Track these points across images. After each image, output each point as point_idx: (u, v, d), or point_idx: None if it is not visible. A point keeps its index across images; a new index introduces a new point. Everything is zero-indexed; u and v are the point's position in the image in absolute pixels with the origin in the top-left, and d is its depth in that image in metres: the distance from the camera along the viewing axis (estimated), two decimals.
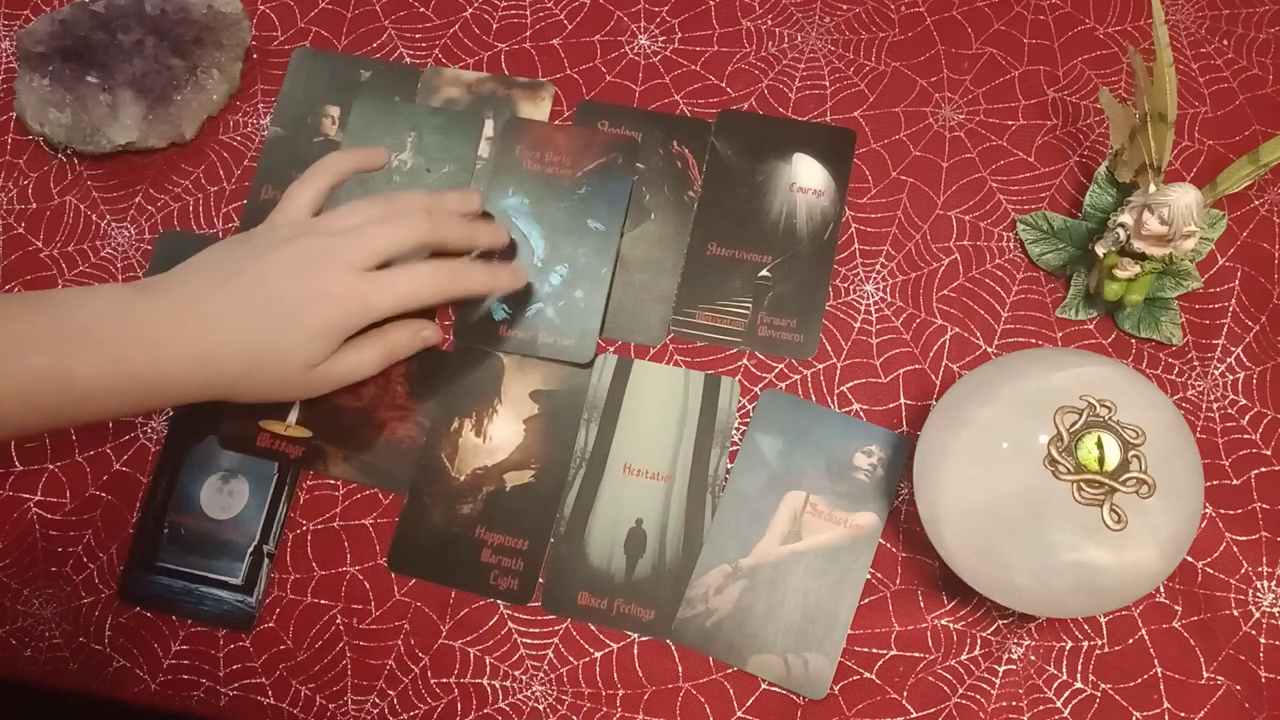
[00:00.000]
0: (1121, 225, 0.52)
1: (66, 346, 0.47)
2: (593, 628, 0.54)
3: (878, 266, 0.59)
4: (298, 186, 0.54)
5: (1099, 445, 0.45)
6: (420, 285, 0.53)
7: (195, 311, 0.50)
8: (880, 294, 0.58)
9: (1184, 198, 0.50)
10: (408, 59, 0.64)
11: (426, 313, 0.57)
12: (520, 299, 0.58)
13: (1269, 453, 0.55)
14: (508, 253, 0.59)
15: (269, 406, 0.57)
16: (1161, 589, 0.53)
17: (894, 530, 0.54)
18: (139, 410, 0.53)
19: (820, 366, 0.57)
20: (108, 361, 0.48)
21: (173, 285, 0.51)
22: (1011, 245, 0.59)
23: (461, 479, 0.56)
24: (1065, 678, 0.52)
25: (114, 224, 0.62)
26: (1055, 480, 0.44)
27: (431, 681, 0.54)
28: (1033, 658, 0.52)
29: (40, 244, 0.61)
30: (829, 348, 0.57)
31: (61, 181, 0.62)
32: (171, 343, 0.49)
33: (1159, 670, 0.52)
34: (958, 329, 0.57)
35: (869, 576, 0.53)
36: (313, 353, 0.51)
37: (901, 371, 0.57)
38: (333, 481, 0.57)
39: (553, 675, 0.53)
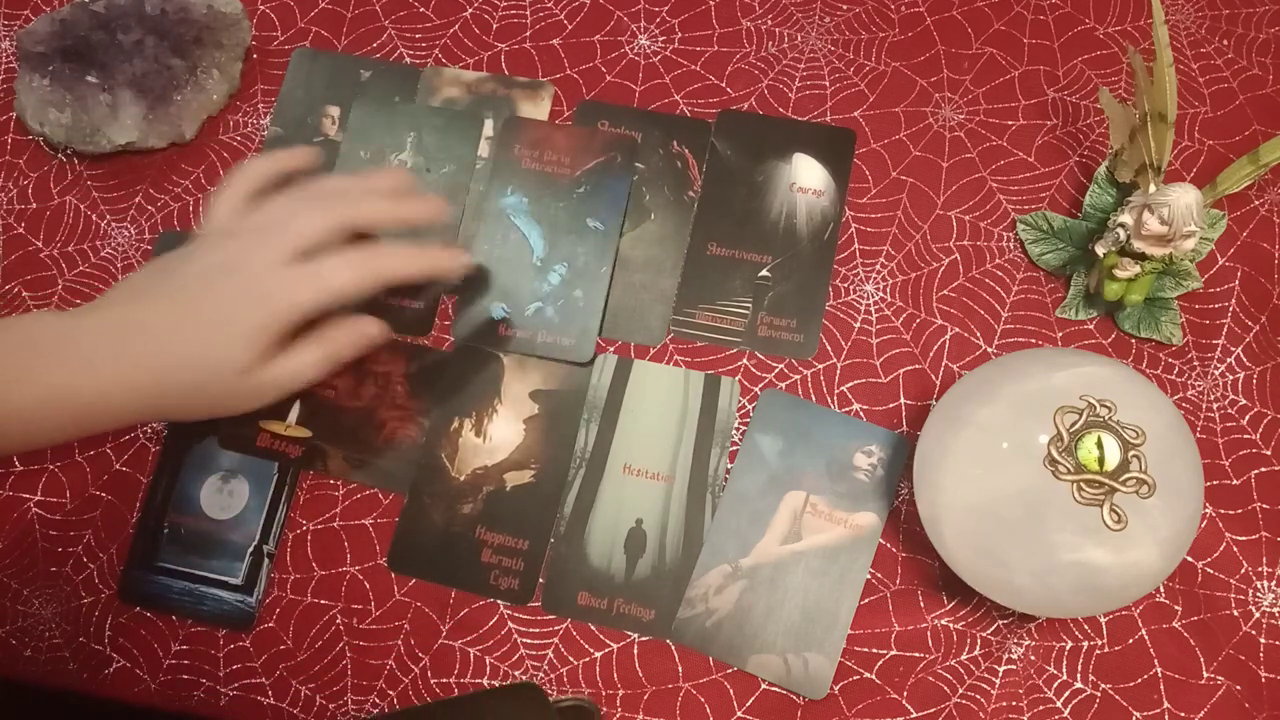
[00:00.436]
0: (1121, 225, 0.52)
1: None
2: (593, 628, 0.54)
3: (878, 266, 0.59)
4: (216, 195, 0.53)
5: (1099, 445, 0.45)
6: (343, 273, 0.50)
7: (122, 333, 0.48)
8: (880, 294, 0.58)
9: (1184, 198, 0.50)
10: (408, 59, 0.64)
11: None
12: (520, 298, 0.58)
13: (1269, 453, 0.55)
14: (507, 250, 0.59)
15: (269, 405, 0.57)
16: (1161, 589, 0.53)
17: (894, 530, 0.54)
18: (81, 434, 0.51)
19: (820, 366, 0.57)
20: (36, 387, 0.47)
21: (99, 309, 0.49)
22: (1011, 245, 0.59)
23: (461, 479, 0.56)
24: (1065, 678, 0.52)
25: (114, 224, 0.62)
26: (1055, 480, 0.44)
27: (431, 681, 0.54)
28: (1033, 658, 0.52)
29: (40, 244, 0.61)
30: (829, 348, 0.57)
31: (61, 181, 0.62)
32: (101, 366, 0.48)
33: (1159, 670, 0.52)
34: (958, 329, 0.57)
35: (869, 576, 0.53)
36: (243, 358, 0.49)
37: (901, 371, 0.57)
38: (333, 481, 0.57)
39: (553, 675, 0.53)
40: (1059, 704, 0.51)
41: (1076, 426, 0.45)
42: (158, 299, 0.49)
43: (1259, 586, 0.53)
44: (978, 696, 0.52)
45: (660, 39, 0.64)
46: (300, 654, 0.54)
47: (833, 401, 0.56)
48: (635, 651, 0.53)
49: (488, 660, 0.54)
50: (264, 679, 0.54)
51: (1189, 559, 0.53)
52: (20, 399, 0.47)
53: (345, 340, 0.52)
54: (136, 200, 0.62)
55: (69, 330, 0.48)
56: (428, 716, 0.44)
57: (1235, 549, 0.53)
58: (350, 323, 0.53)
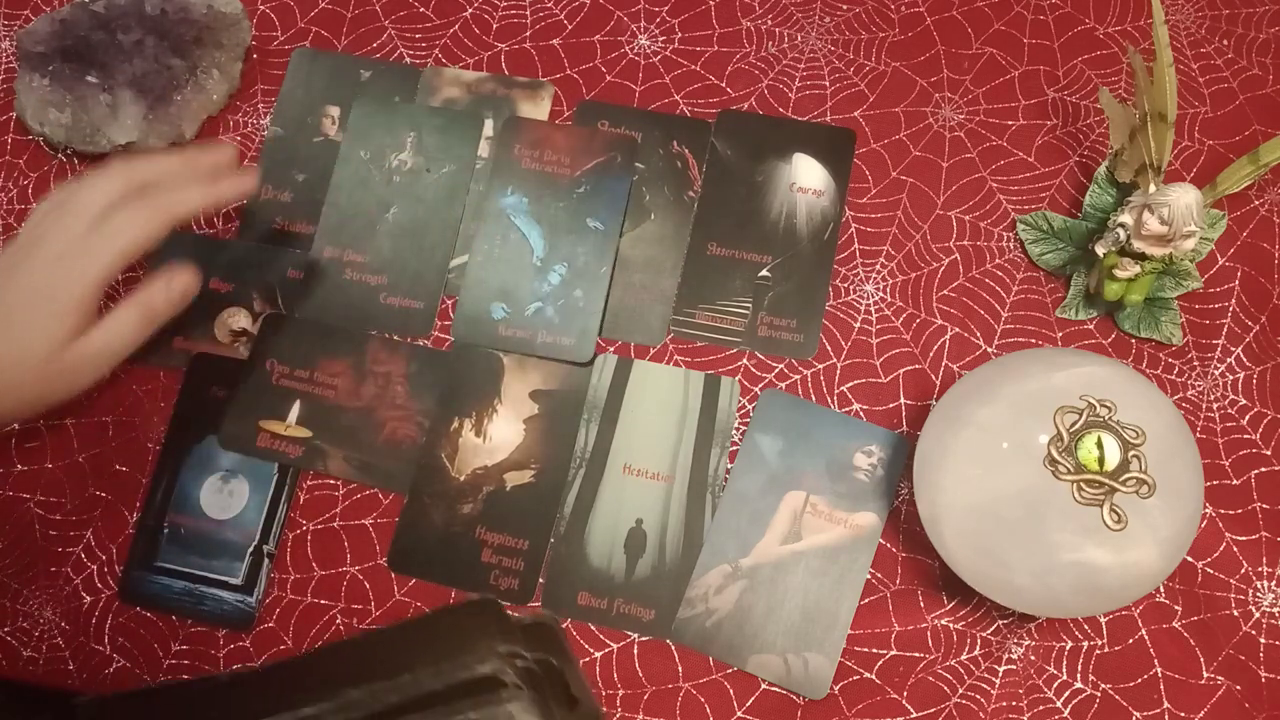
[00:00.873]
0: (1121, 225, 0.52)
1: None
2: (593, 628, 0.54)
3: (878, 266, 0.59)
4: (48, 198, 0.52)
5: (1099, 445, 0.45)
6: (132, 226, 0.49)
7: None
8: (880, 294, 0.58)
9: (1184, 198, 0.50)
10: (408, 59, 0.64)
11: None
12: (520, 297, 0.58)
13: (1269, 453, 0.55)
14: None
15: (269, 405, 0.57)
16: (1161, 589, 0.53)
17: (894, 530, 0.54)
18: None
19: (820, 366, 0.57)
20: None
21: None
22: (1011, 245, 0.59)
23: (461, 479, 0.56)
24: (1065, 678, 0.52)
25: None
26: (1055, 480, 0.44)
27: None
28: (1033, 658, 0.52)
29: None
30: (829, 348, 0.57)
31: (61, 181, 0.62)
32: None
33: (1159, 670, 0.52)
34: (958, 329, 0.57)
35: (869, 576, 0.53)
36: (52, 333, 0.48)
37: (901, 371, 0.57)
38: (333, 481, 0.57)
39: None
40: (1059, 704, 0.51)
41: (1076, 426, 0.45)
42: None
43: (1259, 586, 0.53)
44: (978, 696, 0.52)
45: (660, 39, 0.64)
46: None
47: (833, 401, 0.56)
48: (635, 651, 0.53)
49: None
50: None
51: (1189, 559, 0.53)
52: None
53: (159, 297, 0.52)
54: None
55: None
56: (391, 638, 0.44)
57: (1235, 549, 0.53)
58: (163, 279, 0.52)
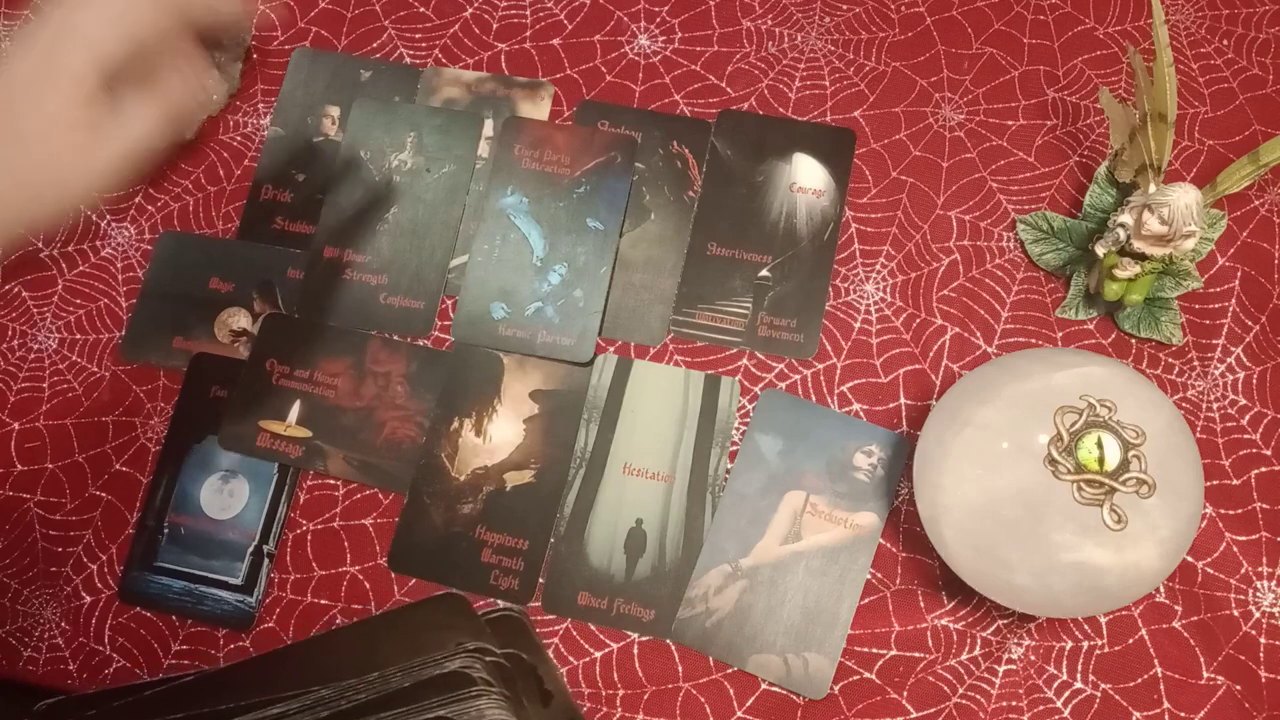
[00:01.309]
0: (1121, 225, 0.52)
1: None
2: (593, 628, 0.54)
3: (878, 266, 0.59)
4: None
5: (1099, 445, 0.45)
6: (131, 5, 0.45)
7: None
8: (880, 294, 0.58)
9: (1184, 198, 0.50)
10: (408, 59, 0.64)
11: None
12: (520, 297, 0.58)
13: (1269, 453, 0.55)
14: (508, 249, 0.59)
15: (269, 405, 0.57)
16: (1161, 589, 0.53)
17: (894, 530, 0.54)
18: None
19: (820, 366, 0.57)
20: None
21: None
22: (1011, 245, 0.59)
23: (461, 479, 0.56)
24: (1065, 678, 0.52)
25: (114, 224, 0.62)
26: (1055, 480, 0.44)
27: None
28: (1033, 658, 0.52)
29: (40, 244, 0.61)
30: (829, 348, 0.57)
31: None
32: None
33: (1159, 670, 0.52)
34: (958, 329, 0.57)
35: (869, 576, 0.53)
36: (67, 114, 0.44)
37: (901, 371, 0.57)
38: (333, 481, 0.57)
39: None
40: (1059, 704, 0.51)
41: (1076, 426, 0.45)
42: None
43: (1259, 586, 0.53)
44: (978, 696, 0.52)
45: (660, 39, 0.64)
46: None
47: (833, 401, 0.56)
48: (635, 651, 0.53)
49: None
50: None
51: (1189, 559, 0.53)
52: None
53: (176, 85, 0.47)
54: (136, 200, 0.62)
55: None
56: (358, 635, 0.44)
57: (1235, 549, 0.53)
58: (176, 66, 0.48)
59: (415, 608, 0.47)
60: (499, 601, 0.52)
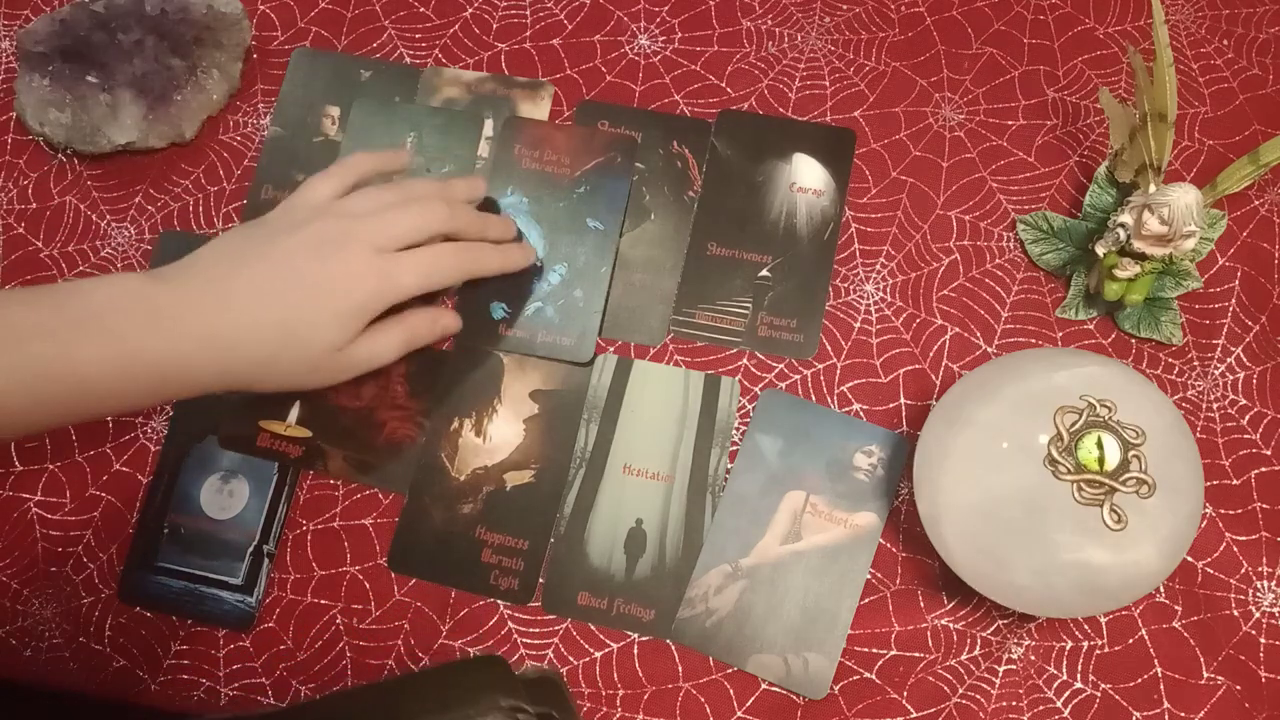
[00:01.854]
0: (1121, 225, 0.52)
1: (75, 334, 0.45)
2: (593, 628, 0.54)
3: (878, 266, 0.59)
4: (321, 178, 0.54)
5: (1099, 445, 0.45)
6: (443, 264, 0.53)
7: (215, 294, 0.48)
8: (880, 294, 0.58)
9: (1184, 198, 0.50)
10: (408, 59, 0.64)
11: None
12: (520, 297, 0.58)
13: (1269, 453, 0.55)
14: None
15: (269, 405, 0.57)
16: (1161, 589, 0.53)
17: (894, 530, 0.54)
18: (150, 402, 0.51)
19: (820, 366, 0.57)
20: (119, 347, 0.46)
21: (189, 271, 0.49)
22: (1011, 245, 0.59)
23: (461, 479, 0.56)
24: (1065, 678, 0.52)
25: (114, 224, 0.62)
26: (1055, 480, 0.44)
27: None
28: (1033, 658, 0.52)
29: (40, 244, 0.61)
30: (829, 348, 0.57)
31: (61, 181, 0.62)
32: (190, 327, 0.47)
33: (1159, 670, 0.52)
34: (958, 329, 0.57)
35: (869, 576, 0.53)
36: (340, 334, 0.50)
37: (901, 371, 0.57)
38: (333, 481, 0.57)
39: None
40: (1059, 704, 0.51)
41: (1076, 426, 0.45)
42: (257, 264, 0.49)
43: (1259, 586, 0.53)
44: (978, 696, 0.52)
45: (660, 39, 0.64)
46: (300, 654, 0.54)
47: (833, 401, 0.56)
48: (635, 651, 0.53)
49: None
50: (264, 679, 0.54)
51: (1189, 559, 0.53)
52: (107, 359, 0.46)
53: (424, 327, 0.54)
54: (136, 200, 0.62)
55: (159, 295, 0.48)
56: (392, 691, 0.44)
57: (1235, 549, 0.53)
58: (430, 311, 0.55)
59: (453, 667, 0.48)
60: (530, 663, 0.53)
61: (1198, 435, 0.55)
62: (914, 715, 0.52)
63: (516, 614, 0.54)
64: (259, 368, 0.50)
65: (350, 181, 0.54)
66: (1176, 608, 0.53)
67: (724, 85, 0.62)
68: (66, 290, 0.47)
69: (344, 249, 0.50)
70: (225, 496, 0.56)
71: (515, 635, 0.54)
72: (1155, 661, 0.52)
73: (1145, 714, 0.51)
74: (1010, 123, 0.61)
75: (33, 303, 0.46)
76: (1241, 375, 0.56)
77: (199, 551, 0.55)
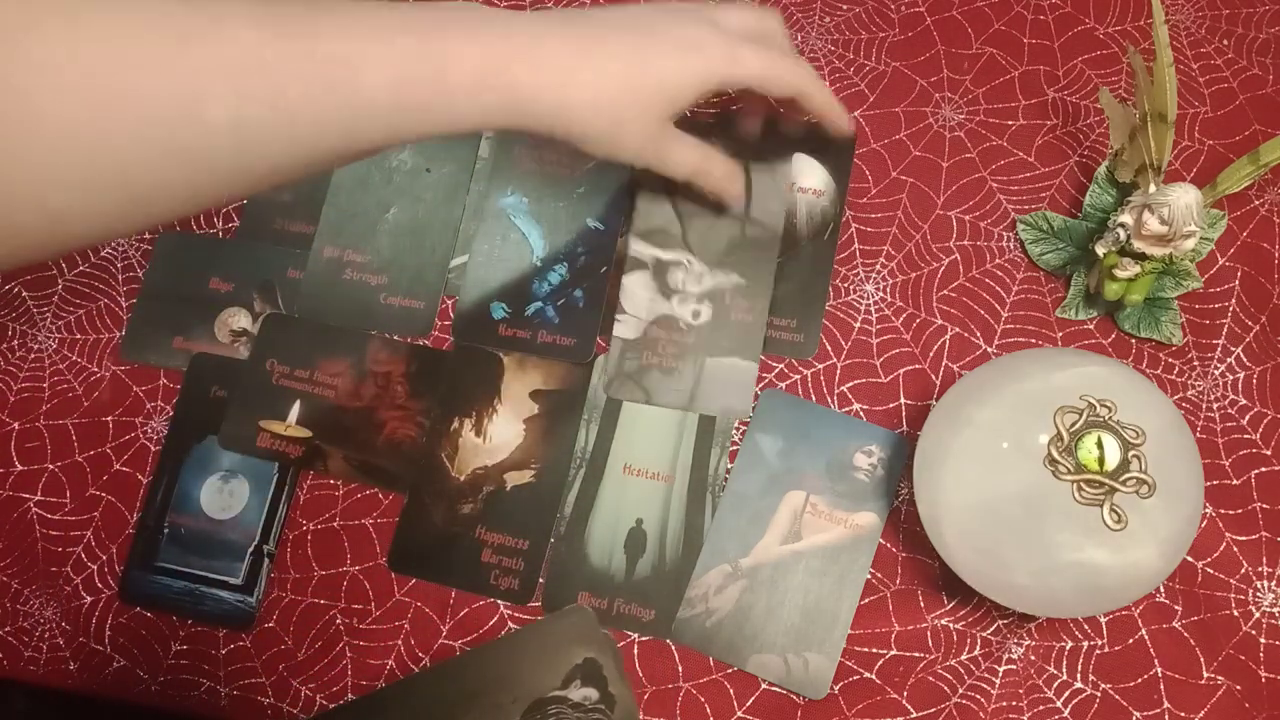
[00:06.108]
0: (1121, 225, 0.52)
1: (436, 29, 0.43)
2: (602, 629, 0.54)
3: (878, 266, 0.59)
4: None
5: (1099, 445, 0.45)
6: (784, 67, 0.50)
7: (574, 25, 0.46)
8: (880, 294, 0.58)
9: (1184, 198, 0.50)
10: None
11: None
12: (520, 297, 0.58)
13: (1269, 453, 0.55)
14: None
15: (269, 405, 0.57)
16: (1161, 589, 0.53)
17: (894, 530, 0.54)
18: (486, 125, 0.46)
19: (820, 366, 0.57)
20: (479, 56, 0.43)
21: (572, 21, 0.47)
22: (1011, 245, 0.59)
23: (461, 479, 0.56)
24: (1065, 678, 0.52)
25: None
26: (1055, 480, 0.44)
27: None
28: (1033, 658, 0.52)
29: None
30: (829, 348, 0.57)
31: None
32: (546, 45, 0.45)
33: (1159, 670, 0.52)
34: (958, 329, 0.57)
35: (869, 576, 0.53)
36: (677, 97, 0.47)
37: (901, 371, 0.57)
38: (333, 481, 0.57)
39: None
40: (1059, 704, 0.51)
41: (1076, 426, 0.45)
42: (620, 19, 0.48)
43: (1259, 586, 0.53)
44: (978, 696, 0.52)
45: None
46: (300, 654, 0.54)
47: (833, 401, 0.56)
48: (635, 651, 0.53)
49: None
50: (264, 679, 0.54)
51: (1189, 559, 0.53)
52: (470, 68, 0.43)
53: (720, 168, 0.53)
54: None
55: (516, 23, 0.45)
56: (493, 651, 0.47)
57: (1235, 549, 0.53)
58: (731, 162, 0.54)
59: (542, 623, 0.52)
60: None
61: (1198, 435, 0.55)
62: (914, 715, 0.52)
63: (516, 614, 0.54)
64: (595, 106, 0.47)
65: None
66: (1176, 608, 0.53)
67: None
68: (423, 6, 0.44)
69: (697, 24, 0.48)
70: (225, 496, 0.56)
71: None
72: (1155, 661, 0.52)
73: (1145, 714, 0.51)
74: (1010, 123, 0.61)
75: (385, 7, 0.43)
76: (1241, 375, 0.56)
77: (199, 551, 0.56)
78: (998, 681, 0.52)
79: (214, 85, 0.38)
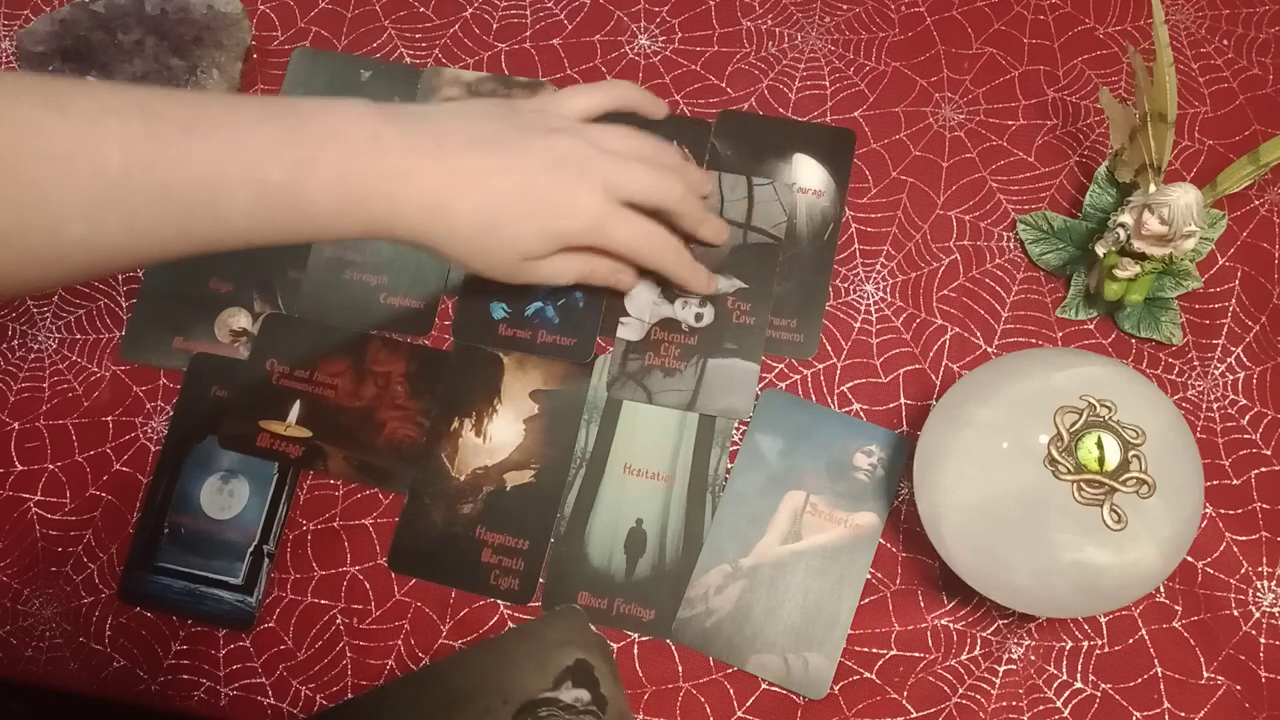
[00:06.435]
0: (1121, 225, 0.52)
1: (304, 164, 0.45)
2: (593, 628, 0.54)
3: (878, 266, 0.59)
4: (580, 90, 0.55)
5: (1099, 445, 0.45)
6: (654, 245, 0.53)
7: (446, 159, 0.48)
8: (880, 294, 0.58)
9: (1184, 198, 0.50)
10: (408, 59, 0.64)
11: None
12: (520, 297, 0.58)
13: (1269, 453, 0.55)
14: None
15: (269, 405, 0.57)
16: (1161, 589, 0.53)
17: (894, 530, 0.54)
18: (347, 238, 0.50)
19: (820, 366, 0.57)
20: (341, 185, 0.46)
21: (425, 122, 0.49)
22: (1011, 245, 0.59)
23: (461, 479, 0.56)
24: (1065, 678, 0.52)
25: None
26: (1055, 480, 0.44)
27: None
28: (1033, 658, 0.52)
29: None
30: (829, 348, 0.57)
31: None
32: (414, 181, 0.47)
33: (1159, 670, 0.52)
34: (958, 329, 0.57)
35: (869, 576, 0.53)
36: (537, 248, 0.51)
37: (901, 371, 0.57)
38: (333, 481, 0.57)
39: None
40: (1059, 704, 0.51)
41: (1076, 426, 0.45)
42: (493, 151, 0.49)
43: (1259, 586, 0.53)
44: (978, 696, 0.52)
45: (660, 39, 0.64)
46: (300, 654, 0.54)
47: (833, 401, 0.56)
48: (635, 651, 0.53)
49: None
50: (264, 679, 0.54)
51: (1189, 559, 0.53)
52: (328, 196, 0.46)
53: (604, 270, 0.54)
54: None
55: (389, 139, 0.47)
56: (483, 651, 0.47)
57: (1235, 549, 0.53)
58: (612, 261, 0.54)
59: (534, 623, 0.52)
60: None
61: (1198, 435, 0.55)
62: (914, 715, 0.52)
63: (516, 614, 0.54)
64: (457, 240, 0.49)
65: (609, 106, 0.55)
66: (1176, 608, 0.53)
67: (724, 85, 0.62)
68: (298, 113, 0.46)
69: (579, 178, 0.50)
70: (225, 496, 0.56)
71: None
72: (1155, 661, 0.52)
73: (1145, 714, 0.51)
74: (1010, 123, 0.61)
75: (265, 124, 0.45)
76: (1241, 375, 0.56)
77: (199, 551, 0.55)
78: (998, 681, 0.52)
79: (71, 208, 0.40)
